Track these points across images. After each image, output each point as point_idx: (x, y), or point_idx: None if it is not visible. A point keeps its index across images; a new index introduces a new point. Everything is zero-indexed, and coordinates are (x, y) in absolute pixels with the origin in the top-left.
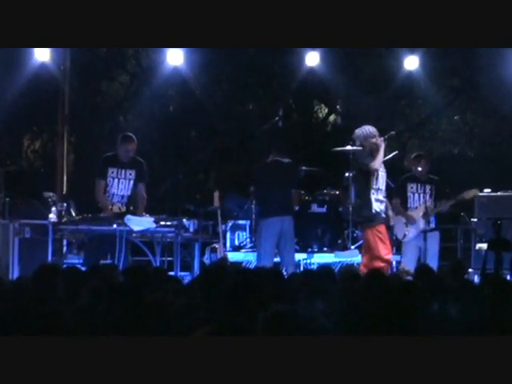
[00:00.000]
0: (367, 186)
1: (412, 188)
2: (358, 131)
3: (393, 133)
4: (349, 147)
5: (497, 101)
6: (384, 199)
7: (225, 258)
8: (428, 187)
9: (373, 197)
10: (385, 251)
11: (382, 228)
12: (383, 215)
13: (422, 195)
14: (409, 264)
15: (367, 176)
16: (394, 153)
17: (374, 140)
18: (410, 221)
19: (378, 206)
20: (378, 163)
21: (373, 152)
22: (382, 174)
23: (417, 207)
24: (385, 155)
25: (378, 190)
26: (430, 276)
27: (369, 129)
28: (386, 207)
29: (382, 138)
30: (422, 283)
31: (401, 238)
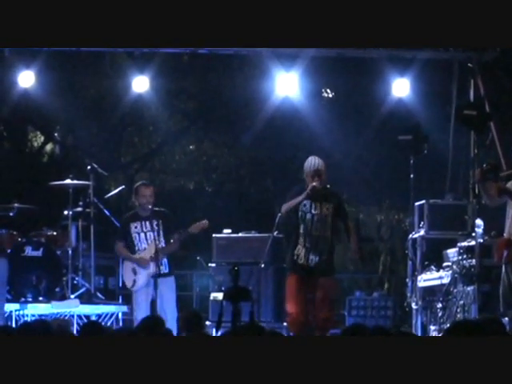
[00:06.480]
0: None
1: (136, 227)
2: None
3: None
4: (68, 181)
5: (237, 129)
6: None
7: None
8: (155, 222)
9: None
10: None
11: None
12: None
13: (148, 233)
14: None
15: None
16: (120, 187)
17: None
18: (141, 264)
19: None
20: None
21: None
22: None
23: (145, 248)
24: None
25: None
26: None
27: (308, 162)
28: None
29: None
30: None
31: (130, 286)
